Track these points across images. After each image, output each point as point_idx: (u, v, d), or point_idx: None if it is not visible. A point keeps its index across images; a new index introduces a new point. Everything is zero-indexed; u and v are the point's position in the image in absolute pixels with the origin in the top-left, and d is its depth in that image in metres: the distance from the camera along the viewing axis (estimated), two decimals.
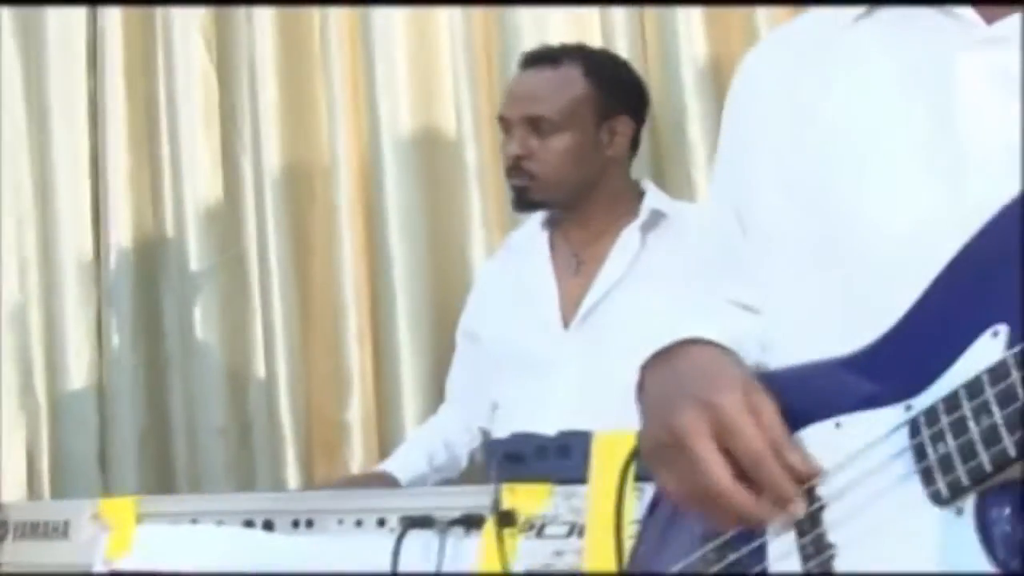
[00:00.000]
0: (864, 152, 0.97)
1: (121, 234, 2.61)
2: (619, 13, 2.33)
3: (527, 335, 2.11)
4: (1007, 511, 0.85)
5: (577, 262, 2.15)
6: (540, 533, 1.63)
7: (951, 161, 0.92)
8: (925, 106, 0.94)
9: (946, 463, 0.86)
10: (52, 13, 2.64)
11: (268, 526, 1.82)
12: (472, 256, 2.40)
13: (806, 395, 1.01)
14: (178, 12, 2.57)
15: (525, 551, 1.62)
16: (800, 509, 0.91)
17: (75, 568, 1.88)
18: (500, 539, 1.60)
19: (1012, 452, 0.82)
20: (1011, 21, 0.93)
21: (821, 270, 0.99)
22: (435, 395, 2.33)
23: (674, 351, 1.01)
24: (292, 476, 2.45)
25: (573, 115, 2.05)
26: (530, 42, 2.26)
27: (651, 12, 2.32)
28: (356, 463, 2.46)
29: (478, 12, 2.41)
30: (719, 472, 0.90)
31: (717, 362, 1.00)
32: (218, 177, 2.59)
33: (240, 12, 2.55)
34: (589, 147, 2.07)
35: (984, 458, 0.84)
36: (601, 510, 1.48)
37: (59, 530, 1.96)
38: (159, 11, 2.59)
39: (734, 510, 0.91)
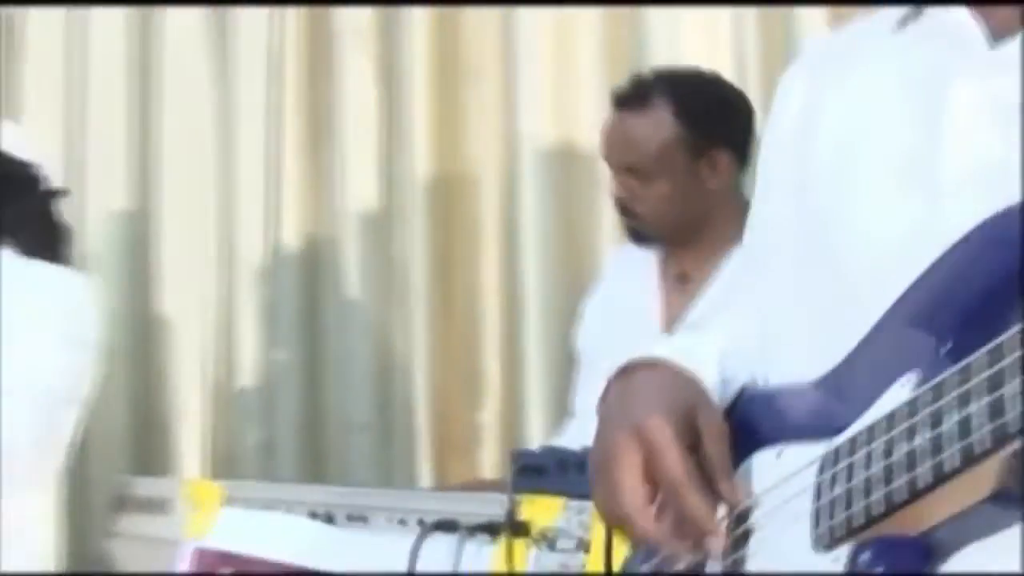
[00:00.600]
0: (851, 163, 0.98)
1: (289, 237, 2.81)
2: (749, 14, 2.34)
3: (626, 347, 2.14)
4: (879, 569, 0.83)
5: (684, 278, 2.16)
6: (552, 546, 1.68)
7: (929, 184, 0.91)
8: (915, 125, 0.94)
9: (831, 508, 0.86)
10: (242, 16, 2.89)
11: (329, 519, 1.96)
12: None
13: (766, 419, 1.04)
14: (347, 22, 2.76)
15: (535, 562, 1.68)
16: (715, 543, 0.93)
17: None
18: (510, 548, 1.67)
19: (880, 508, 0.81)
20: (1015, 43, 0.91)
21: (806, 279, 1.01)
22: (563, 404, 2.40)
23: (633, 370, 1.05)
24: (425, 474, 2.59)
25: (667, 161, 2.06)
26: (661, 51, 2.30)
27: (776, 12, 2.32)
28: (489, 465, 2.57)
29: (614, 25, 2.47)
30: (628, 497, 0.93)
31: (662, 385, 1.03)
32: (375, 185, 2.75)
33: (402, 21, 2.70)
34: (690, 187, 2.09)
35: (857, 509, 0.84)
36: (599, 529, 1.52)
37: (161, 506, 2.18)
38: (334, 14, 2.78)
39: (639, 536, 0.95)
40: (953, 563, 0.79)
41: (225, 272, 2.88)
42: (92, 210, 2.91)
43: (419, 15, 2.68)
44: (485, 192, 2.61)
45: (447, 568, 1.71)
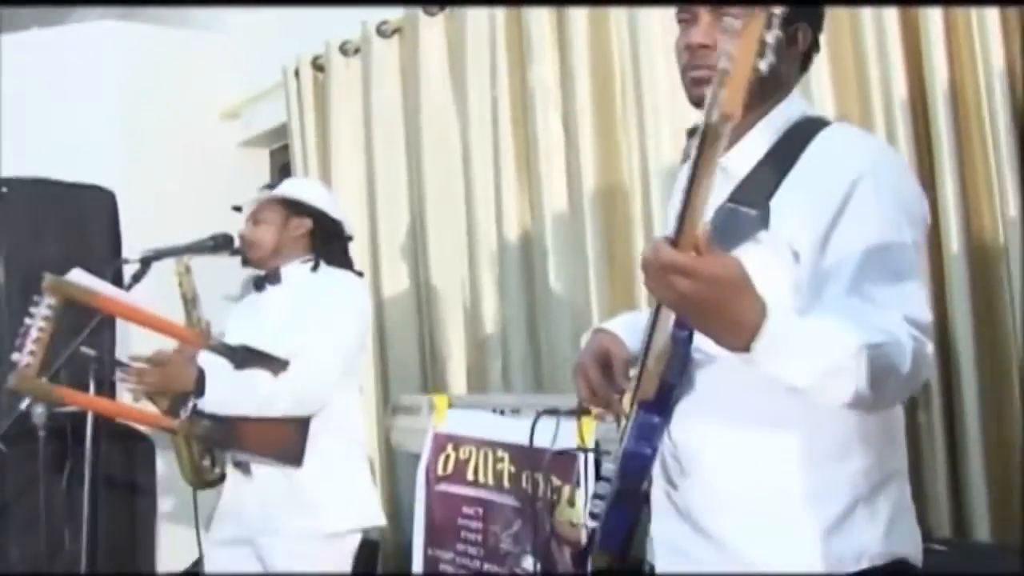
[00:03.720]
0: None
1: (510, 230, 4.20)
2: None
3: None
4: None
5: None
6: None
7: None
8: None
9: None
10: (471, 75, 4.32)
11: (501, 413, 3.39)
12: None
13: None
14: (539, 82, 4.08)
15: (599, 432, 2.97)
16: (616, 407, 1.94)
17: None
18: (580, 423, 3.00)
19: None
20: (725, 160, 1.74)
21: None
22: None
23: (594, 331, 2.16)
24: None
25: None
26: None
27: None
28: None
29: None
30: (582, 388, 2.00)
31: (600, 339, 2.08)
32: (564, 189, 4.02)
33: (576, 86, 3.96)
34: None
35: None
36: None
37: (417, 410, 3.70)
38: (534, 79, 4.12)
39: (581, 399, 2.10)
40: None
41: (471, 255, 4.33)
42: (383, 218, 4.52)
43: (583, 69, 3.94)
44: (639, 200, 3.71)
45: (550, 432, 3.02)
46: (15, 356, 2.90)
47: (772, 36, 1.33)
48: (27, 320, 2.92)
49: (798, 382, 1.54)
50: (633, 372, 1.88)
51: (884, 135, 3.03)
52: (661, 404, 1.81)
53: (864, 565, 1.73)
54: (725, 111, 1.33)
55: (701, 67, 1.82)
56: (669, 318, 1.66)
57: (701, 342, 1.75)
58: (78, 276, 3.02)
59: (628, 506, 1.91)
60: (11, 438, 3.34)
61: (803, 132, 1.80)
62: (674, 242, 1.40)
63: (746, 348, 1.48)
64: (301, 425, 3.17)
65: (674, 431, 1.82)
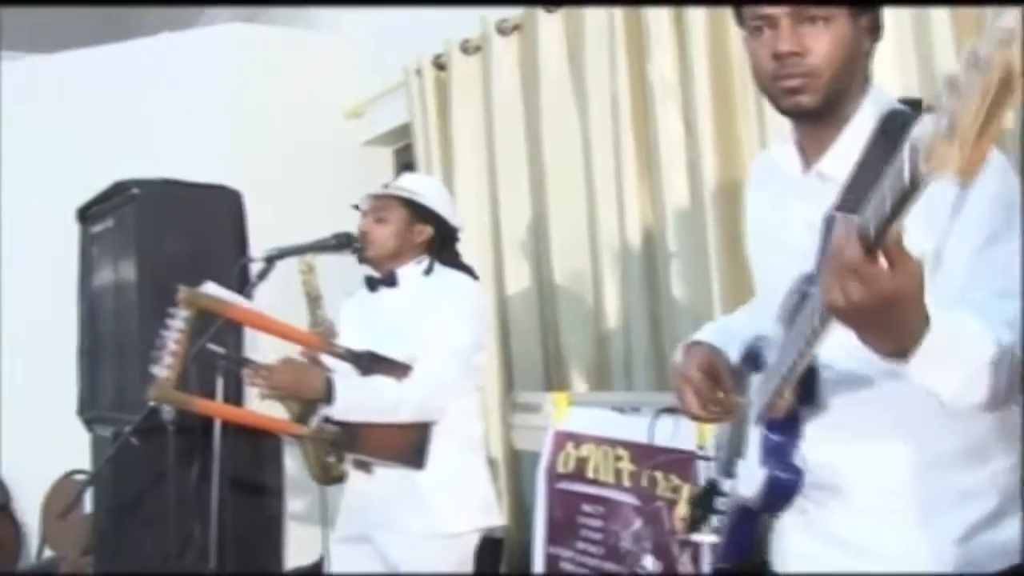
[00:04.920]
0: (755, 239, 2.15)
1: (632, 227, 4.23)
2: None
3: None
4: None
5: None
6: None
7: (784, 251, 1.92)
8: (777, 225, 1.97)
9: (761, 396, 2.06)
10: (589, 73, 4.38)
11: (621, 411, 3.42)
12: None
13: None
14: (658, 77, 4.11)
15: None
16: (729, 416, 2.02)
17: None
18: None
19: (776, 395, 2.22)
20: (812, 174, 1.87)
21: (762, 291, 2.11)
22: None
23: (688, 344, 2.19)
24: None
25: None
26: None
27: None
28: None
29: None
30: (688, 398, 2.04)
31: (703, 352, 2.09)
32: (686, 190, 4.03)
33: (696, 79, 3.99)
34: None
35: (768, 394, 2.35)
36: None
37: (536, 408, 3.75)
38: (653, 73, 4.15)
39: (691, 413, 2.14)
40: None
41: (592, 252, 4.38)
42: (505, 215, 4.58)
43: (703, 62, 3.95)
44: None
45: (670, 433, 3.09)
46: (154, 369, 3.06)
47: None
48: (163, 332, 3.08)
49: (944, 391, 1.55)
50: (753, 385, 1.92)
51: None
52: (789, 423, 1.82)
53: (1012, 561, 1.74)
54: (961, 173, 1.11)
55: (795, 76, 1.81)
56: (826, 332, 1.55)
57: (829, 358, 1.76)
58: (211, 288, 3.17)
59: (754, 523, 1.95)
60: (141, 432, 3.49)
61: (897, 124, 1.76)
62: (867, 244, 1.34)
63: (901, 356, 1.48)
64: (422, 429, 3.26)
65: (810, 451, 1.83)
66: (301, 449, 3.52)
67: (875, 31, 1.87)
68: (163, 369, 3.06)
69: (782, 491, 1.81)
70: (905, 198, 1.21)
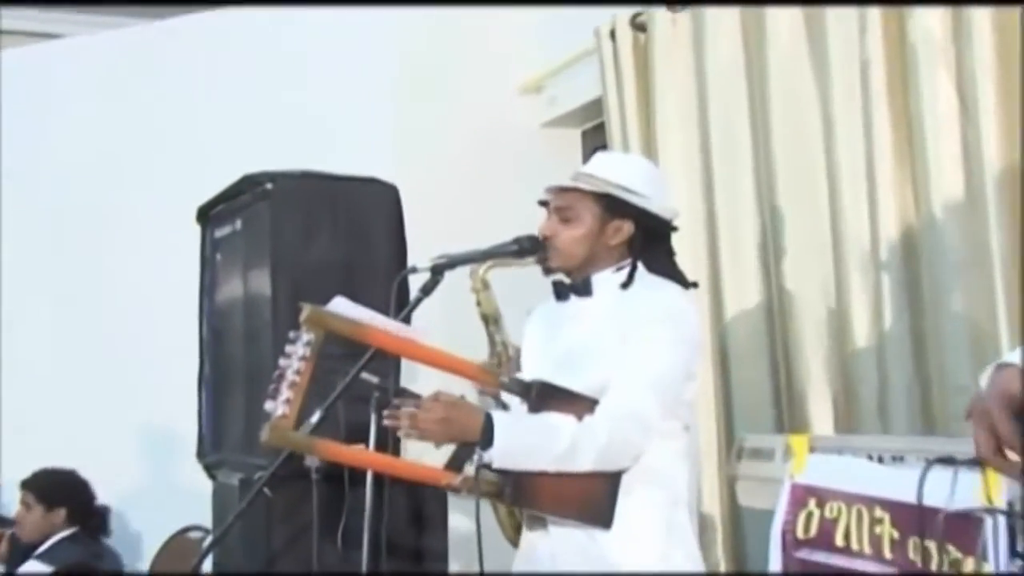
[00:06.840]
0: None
1: (888, 226, 4.08)
2: None
3: None
4: None
5: None
6: None
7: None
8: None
9: None
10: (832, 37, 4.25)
11: (880, 460, 3.28)
12: None
13: None
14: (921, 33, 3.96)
15: (1008, 490, 2.83)
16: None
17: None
18: (985, 476, 2.87)
19: None
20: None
21: None
22: None
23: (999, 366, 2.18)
24: None
25: None
26: None
27: None
28: None
29: None
30: (984, 441, 2.09)
31: (1009, 379, 2.09)
32: (960, 179, 3.87)
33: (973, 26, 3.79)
34: None
35: None
36: None
37: (766, 455, 3.63)
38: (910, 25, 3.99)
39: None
40: None
41: (836, 260, 4.24)
42: (723, 214, 4.49)
43: (983, 19, 3.78)
44: None
45: (945, 490, 2.94)
46: (268, 405, 3.03)
47: None
48: (281, 361, 3.03)
49: None
50: None
51: None
52: None
53: None
54: None
55: None
56: None
57: None
58: (341, 305, 3.13)
59: None
60: (278, 480, 3.47)
61: None
62: None
63: None
64: (611, 478, 3.17)
65: None
66: (491, 503, 3.46)
67: None
68: (279, 405, 3.02)
69: None
70: None
